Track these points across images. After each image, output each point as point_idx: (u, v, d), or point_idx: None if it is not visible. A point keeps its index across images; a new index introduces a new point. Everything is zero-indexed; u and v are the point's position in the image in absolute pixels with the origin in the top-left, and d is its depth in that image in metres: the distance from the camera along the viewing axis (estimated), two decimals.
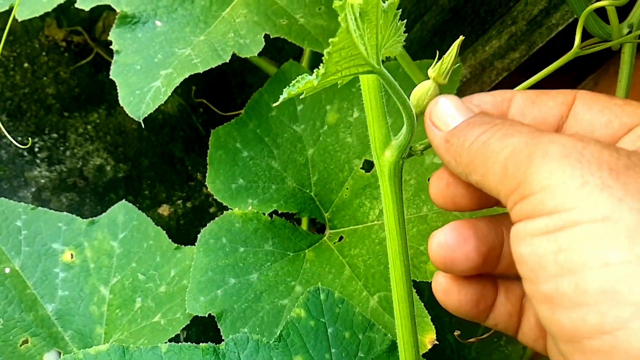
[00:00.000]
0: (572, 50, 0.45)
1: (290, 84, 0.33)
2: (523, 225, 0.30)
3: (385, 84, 0.35)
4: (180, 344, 0.53)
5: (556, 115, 0.36)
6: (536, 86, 0.88)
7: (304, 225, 0.84)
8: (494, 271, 0.38)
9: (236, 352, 0.53)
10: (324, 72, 0.31)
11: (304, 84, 0.32)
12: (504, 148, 0.31)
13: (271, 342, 0.54)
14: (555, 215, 0.28)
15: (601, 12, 0.67)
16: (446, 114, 0.36)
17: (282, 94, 0.82)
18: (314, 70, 0.32)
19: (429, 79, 0.39)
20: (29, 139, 1.06)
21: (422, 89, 0.38)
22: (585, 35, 0.63)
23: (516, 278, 0.38)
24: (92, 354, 0.52)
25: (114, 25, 0.80)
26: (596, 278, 0.27)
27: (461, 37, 0.37)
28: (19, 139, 1.06)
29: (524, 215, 0.30)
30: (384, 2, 0.33)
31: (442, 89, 0.49)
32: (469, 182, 0.35)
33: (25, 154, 1.06)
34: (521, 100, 0.37)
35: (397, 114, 0.59)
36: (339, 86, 0.35)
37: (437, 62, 0.38)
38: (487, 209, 0.39)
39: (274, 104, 0.34)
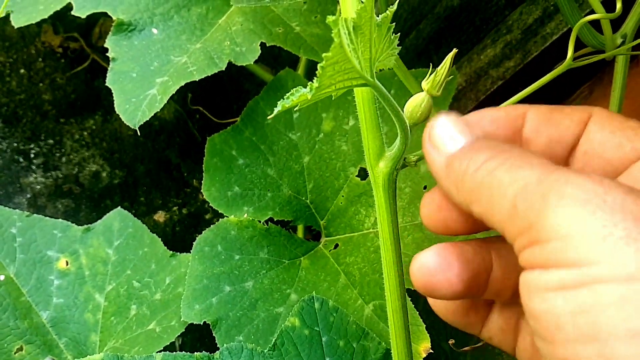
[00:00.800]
0: (564, 63, 0.45)
1: (285, 97, 0.33)
2: (536, 276, 0.27)
3: (378, 96, 0.35)
4: (174, 353, 0.53)
5: (572, 134, 0.34)
6: (531, 94, 0.88)
7: (300, 233, 0.84)
8: (482, 296, 0.36)
9: None
10: (318, 86, 0.31)
11: (298, 97, 0.32)
12: (514, 182, 0.29)
13: (266, 350, 0.54)
14: (574, 269, 0.26)
15: (595, 22, 0.67)
16: (447, 135, 0.34)
17: (278, 101, 0.82)
18: (308, 84, 0.32)
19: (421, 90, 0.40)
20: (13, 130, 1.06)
21: (416, 101, 0.38)
22: (580, 44, 0.64)
23: (510, 302, 0.36)
24: None
25: (110, 33, 0.80)
26: (624, 350, 0.24)
27: (454, 50, 0.38)
28: (15, 145, 1.06)
29: (536, 263, 0.28)
30: (378, 16, 0.33)
31: (435, 101, 0.49)
32: (468, 211, 0.32)
33: (21, 160, 1.06)
34: (535, 117, 0.35)
35: (392, 122, 0.59)
36: (333, 98, 0.35)
37: (430, 74, 0.38)
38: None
39: (269, 117, 0.34)
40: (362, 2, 0.31)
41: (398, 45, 0.36)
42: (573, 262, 0.26)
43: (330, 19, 0.28)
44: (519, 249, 0.29)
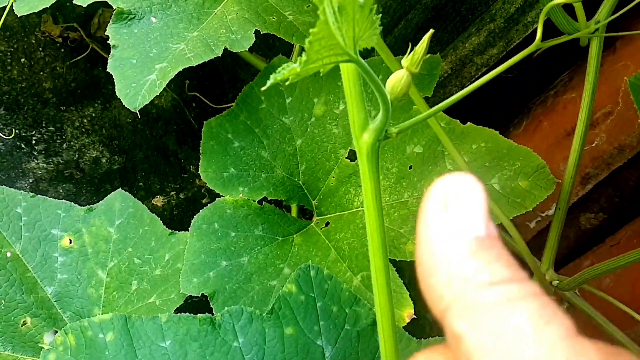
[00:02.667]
0: (534, 43, 0.49)
1: (276, 71, 0.37)
2: None
3: (362, 72, 0.39)
4: (179, 314, 0.57)
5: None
6: (514, 80, 0.93)
7: (294, 212, 0.88)
8: None
9: (231, 322, 0.57)
10: (306, 60, 0.35)
11: (288, 70, 0.36)
12: None
13: (264, 314, 0.58)
14: None
15: (571, 11, 0.71)
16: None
17: (271, 87, 0.86)
18: (297, 58, 0.36)
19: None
20: (13, 130, 1.09)
21: (396, 77, 0.42)
22: (556, 32, 0.68)
23: None
24: (96, 322, 0.56)
25: (110, 21, 0.83)
26: None
27: (431, 31, 0.41)
28: (17, 131, 1.10)
29: None
30: None
31: (420, 85, 0.53)
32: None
33: (23, 146, 1.10)
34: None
35: (377, 104, 0.63)
36: (321, 74, 0.39)
37: (409, 53, 0.42)
38: None
39: (262, 89, 0.38)
40: None
41: (380, 26, 0.40)
42: None
43: None
44: None
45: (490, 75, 0.48)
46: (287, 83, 0.38)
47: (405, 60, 0.42)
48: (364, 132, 0.44)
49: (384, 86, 0.42)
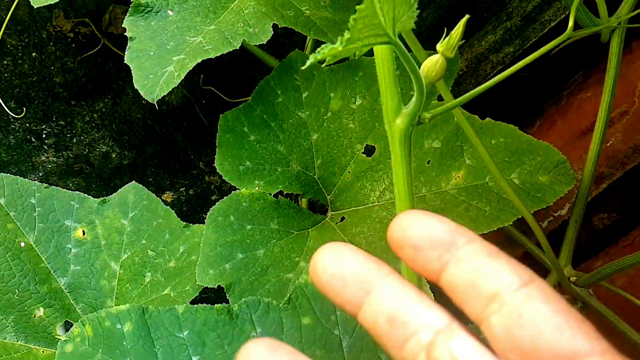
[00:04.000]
0: (566, 32, 0.49)
1: (316, 51, 0.37)
2: None
3: (399, 54, 0.39)
4: (196, 305, 0.57)
5: (506, 281, 0.31)
6: (528, 79, 0.93)
7: (304, 206, 0.88)
8: None
9: (248, 312, 0.57)
10: (349, 38, 0.35)
11: (328, 49, 0.36)
12: None
13: (281, 304, 0.58)
14: None
15: (593, 9, 0.71)
16: None
17: (288, 81, 0.86)
18: (339, 37, 0.36)
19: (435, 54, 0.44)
20: (23, 109, 1.09)
21: (432, 61, 0.42)
22: (577, 29, 0.68)
23: None
24: (113, 312, 0.56)
25: (127, 14, 0.83)
26: None
27: (467, 16, 0.41)
28: (27, 125, 1.09)
29: None
30: None
31: (439, 84, 0.53)
32: None
33: (33, 139, 1.09)
34: (477, 246, 0.32)
35: (405, 89, 0.63)
36: (356, 57, 0.39)
37: (445, 38, 0.42)
38: None
39: (302, 67, 0.38)
40: None
41: (418, 9, 0.40)
42: None
43: None
44: None
45: (518, 66, 0.48)
46: (323, 65, 0.38)
47: (441, 45, 0.42)
48: (397, 117, 0.44)
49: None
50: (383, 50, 0.43)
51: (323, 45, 0.37)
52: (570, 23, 0.48)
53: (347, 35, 0.35)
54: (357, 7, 0.33)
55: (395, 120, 0.43)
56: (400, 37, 0.67)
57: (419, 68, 0.45)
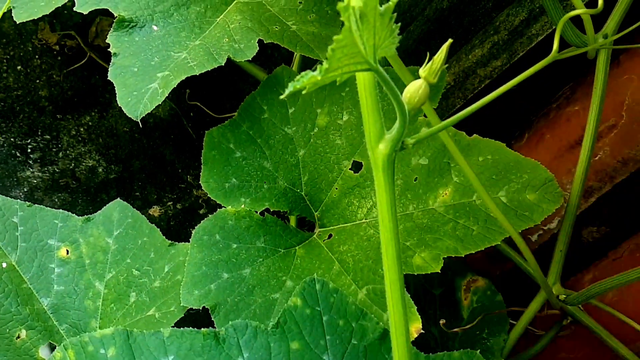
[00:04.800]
0: (551, 54, 0.48)
1: (295, 79, 0.36)
2: None
3: (380, 81, 0.38)
4: (182, 329, 0.56)
5: None
6: (516, 93, 0.92)
7: (292, 223, 0.87)
8: None
9: (235, 337, 0.56)
10: (327, 68, 0.34)
11: (307, 78, 0.35)
12: None
13: (269, 328, 0.57)
14: None
15: (579, 25, 0.71)
16: None
17: (274, 97, 0.85)
18: (317, 66, 0.35)
19: (418, 79, 0.43)
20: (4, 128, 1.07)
21: (414, 87, 0.41)
22: (564, 45, 0.67)
23: None
24: (97, 337, 0.55)
25: (111, 29, 0.82)
26: None
27: (450, 40, 0.41)
28: (12, 139, 1.08)
29: None
30: (381, 6, 0.36)
31: (430, 90, 0.52)
32: None
33: (18, 154, 1.08)
34: None
35: (388, 115, 0.63)
36: (337, 83, 0.38)
37: (427, 63, 0.41)
38: None
39: (282, 97, 0.37)
40: None
41: (398, 34, 0.39)
42: None
43: (340, 5, 0.31)
44: None
45: (505, 87, 0.47)
46: (304, 92, 0.37)
47: (423, 70, 0.41)
48: (379, 142, 0.43)
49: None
50: (365, 76, 0.42)
51: (302, 73, 0.36)
52: (555, 45, 0.47)
53: (325, 65, 0.34)
54: (335, 37, 0.32)
55: (377, 146, 0.43)
56: (384, 58, 0.66)
57: (404, 91, 0.44)
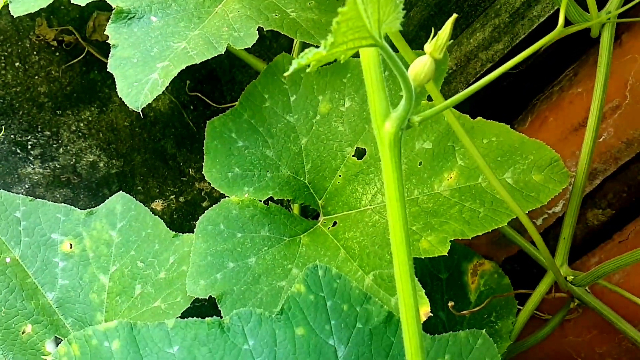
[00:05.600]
0: (556, 29, 0.48)
1: (299, 56, 0.35)
2: None
3: (385, 57, 0.38)
4: (186, 319, 0.55)
5: None
6: (518, 76, 0.91)
7: (296, 212, 0.86)
8: None
9: (240, 325, 0.55)
10: (332, 42, 0.34)
11: (312, 54, 0.35)
12: None
13: (273, 315, 0.56)
14: None
15: (582, 4, 0.70)
16: None
17: (275, 85, 0.85)
18: (322, 41, 0.34)
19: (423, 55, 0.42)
20: (2, 128, 1.07)
21: (420, 63, 0.40)
22: (567, 25, 0.67)
23: None
24: (101, 330, 0.54)
25: (110, 21, 0.82)
26: None
27: (454, 15, 0.40)
28: (12, 136, 1.07)
29: None
30: None
31: (428, 86, 0.51)
32: None
33: (19, 151, 1.07)
34: None
35: (393, 93, 0.62)
36: (341, 61, 0.38)
37: (432, 38, 0.41)
38: None
39: (286, 74, 0.36)
40: None
41: (403, 9, 0.39)
42: None
43: None
44: None
45: (508, 65, 0.46)
46: (308, 70, 0.37)
47: (429, 46, 0.41)
48: (385, 120, 0.42)
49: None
50: (369, 54, 0.41)
51: (307, 50, 0.36)
52: (561, 20, 0.47)
53: (330, 39, 0.34)
54: (340, 9, 0.32)
55: (383, 125, 0.42)
56: (387, 38, 0.66)
57: (407, 70, 0.43)
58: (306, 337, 0.58)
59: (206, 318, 0.56)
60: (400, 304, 0.45)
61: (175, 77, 0.76)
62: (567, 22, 0.65)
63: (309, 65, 0.37)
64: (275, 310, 0.64)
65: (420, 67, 0.41)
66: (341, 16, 0.32)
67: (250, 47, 0.79)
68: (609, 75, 0.75)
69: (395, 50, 0.75)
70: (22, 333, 0.74)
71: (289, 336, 0.58)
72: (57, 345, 0.77)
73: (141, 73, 0.76)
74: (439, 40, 0.40)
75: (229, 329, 0.56)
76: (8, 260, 0.76)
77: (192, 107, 1.19)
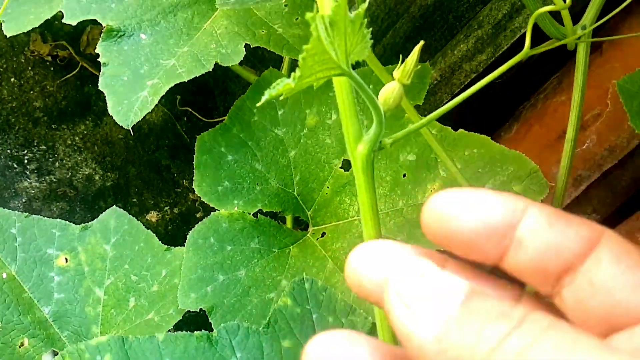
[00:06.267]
0: (523, 51, 0.49)
1: (270, 87, 0.37)
2: None
3: (354, 84, 0.39)
4: (175, 333, 0.57)
5: (575, 252, 0.27)
6: (503, 85, 0.93)
7: (289, 223, 0.88)
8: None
9: (228, 338, 0.57)
10: (300, 75, 0.35)
11: (282, 86, 0.36)
12: None
13: (260, 328, 0.58)
14: None
15: (558, 17, 0.72)
16: (430, 289, 0.25)
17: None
18: (292, 74, 0.36)
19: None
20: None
21: (388, 89, 0.42)
22: (544, 36, 0.68)
23: None
24: (93, 345, 0.56)
25: (100, 39, 0.84)
26: None
27: (421, 42, 0.42)
28: (8, 151, 1.09)
29: None
30: (351, 13, 0.38)
31: (411, 94, 0.53)
32: None
33: (15, 165, 1.09)
34: (537, 216, 0.27)
35: (370, 116, 0.64)
36: (314, 88, 0.39)
37: (400, 65, 0.42)
38: None
39: (257, 104, 0.38)
40: (337, 0, 0.35)
41: (371, 39, 0.40)
42: None
43: (309, 15, 0.33)
44: None
45: (482, 83, 0.48)
46: (281, 98, 0.38)
47: (397, 72, 0.42)
48: (358, 143, 0.44)
49: (377, 97, 0.43)
50: (341, 80, 0.43)
51: (278, 81, 0.37)
52: (527, 42, 0.48)
53: (298, 72, 0.35)
54: (304, 46, 0.34)
55: (356, 147, 0.44)
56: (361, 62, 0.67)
57: (380, 91, 0.45)
58: (293, 350, 0.60)
59: (195, 332, 0.58)
60: (376, 318, 0.46)
61: (169, 89, 0.78)
62: (543, 35, 0.67)
63: (280, 95, 0.38)
64: (262, 323, 0.66)
65: (389, 92, 0.42)
66: (306, 52, 0.34)
67: (243, 57, 0.80)
68: (590, 84, 0.77)
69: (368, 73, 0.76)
70: (19, 347, 0.76)
71: (276, 349, 0.59)
72: (54, 358, 0.79)
73: (131, 91, 0.78)
74: (407, 66, 0.42)
75: (217, 342, 0.58)
76: (4, 276, 0.78)
77: (185, 118, 1.21)
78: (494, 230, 0.27)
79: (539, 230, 0.27)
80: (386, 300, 0.26)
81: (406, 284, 0.25)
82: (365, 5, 0.38)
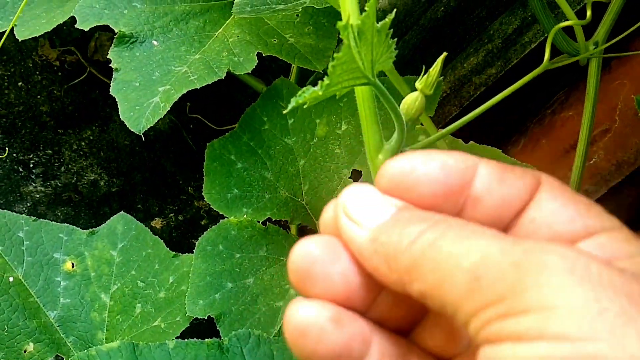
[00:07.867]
0: (542, 64, 0.50)
1: (297, 94, 0.37)
2: (506, 350, 0.24)
3: (379, 94, 0.40)
4: (186, 340, 0.57)
5: (521, 199, 0.30)
6: (511, 99, 0.94)
7: (293, 232, 0.88)
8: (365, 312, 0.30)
9: (239, 346, 0.57)
10: (328, 83, 0.35)
11: (309, 93, 0.37)
12: (468, 253, 0.25)
13: (272, 336, 0.58)
14: (566, 343, 0.23)
15: (570, 32, 0.73)
16: (368, 205, 0.30)
17: (274, 108, 0.87)
18: (319, 82, 0.36)
19: (415, 91, 0.44)
20: (6, 149, 1.09)
21: (411, 99, 0.42)
22: (556, 53, 0.69)
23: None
24: (104, 350, 0.56)
25: (112, 45, 0.84)
26: None
27: (445, 53, 0.42)
28: (14, 155, 1.09)
29: (508, 336, 0.24)
30: (378, 23, 0.38)
31: (427, 100, 0.53)
32: (404, 292, 0.27)
33: (21, 169, 1.09)
34: (487, 173, 0.30)
35: (387, 126, 0.64)
36: (337, 97, 0.40)
37: (423, 75, 0.43)
38: None
39: (285, 111, 0.38)
40: (365, 10, 0.35)
41: (395, 49, 0.41)
42: (562, 336, 0.23)
43: (340, 24, 0.33)
44: (481, 324, 0.25)
45: (501, 96, 0.49)
46: (305, 106, 0.39)
47: (419, 83, 0.43)
48: (379, 153, 0.44)
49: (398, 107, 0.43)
50: (363, 90, 0.43)
51: (304, 88, 0.38)
52: (547, 55, 0.49)
53: (327, 80, 0.36)
54: (335, 54, 0.34)
55: (377, 157, 0.44)
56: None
57: (400, 102, 0.45)
58: None
59: (206, 339, 0.58)
60: None
61: (182, 93, 0.78)
62: (556, 50, 0.68)
63: (306, 102, 0.39)
64: (272, 331, 0.66)
65: (412, 102, 0.43)
66: (336, 60, 0.34)
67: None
68: (599, 100, 0.77)
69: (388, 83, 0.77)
70: (24, 352, 0.76)
71: (287, 357, 0.59)
72: None
73: (143, 97, 0.78)
74: (430, 77, 0.42)
75: (228, 350, 0.58)
76: (11, 279, 0.78)
77: (191, 126, 1.21)
78: (452, 191, 0.30)
79: (493, 187, 0.30)
80: (337, 218, 0.31)
81: (352, 203, 0.30)
82: (392, 15, 0.38)
